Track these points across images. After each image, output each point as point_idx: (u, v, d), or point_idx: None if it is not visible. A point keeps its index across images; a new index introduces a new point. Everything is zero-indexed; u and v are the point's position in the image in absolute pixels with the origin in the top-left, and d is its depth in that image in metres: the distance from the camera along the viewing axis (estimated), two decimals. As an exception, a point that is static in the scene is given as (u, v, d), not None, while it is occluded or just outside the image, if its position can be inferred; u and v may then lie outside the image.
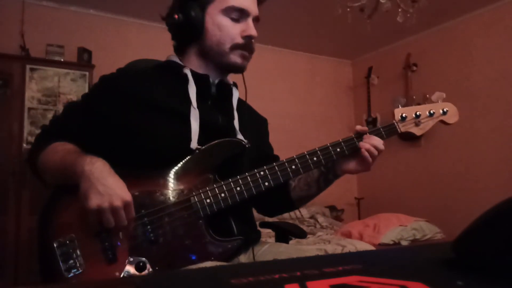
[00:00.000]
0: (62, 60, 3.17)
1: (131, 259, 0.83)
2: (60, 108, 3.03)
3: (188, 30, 1.00)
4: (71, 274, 0.81)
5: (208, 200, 0.89)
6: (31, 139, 2.91)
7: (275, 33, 4.04)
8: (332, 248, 2.42)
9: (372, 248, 2.53)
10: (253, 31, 0.99)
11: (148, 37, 3.67)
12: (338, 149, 0.99)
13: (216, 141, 0.94)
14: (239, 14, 0.99)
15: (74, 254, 0.82)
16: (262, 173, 0.93)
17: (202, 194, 0.89)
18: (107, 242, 0.83)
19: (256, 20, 1.03)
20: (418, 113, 1.06)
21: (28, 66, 2.99)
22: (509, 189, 3.13)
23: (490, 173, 3.45)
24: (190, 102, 0.96)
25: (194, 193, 0.89)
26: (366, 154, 0.97)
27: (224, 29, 0.98)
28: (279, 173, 0.94)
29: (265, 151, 1.18)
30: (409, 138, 3.81)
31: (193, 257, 0.87)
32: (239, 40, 0.99)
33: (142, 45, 3.62)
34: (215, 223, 0.91)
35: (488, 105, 3.50)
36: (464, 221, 0.46)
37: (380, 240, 2.81)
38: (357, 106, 4.94)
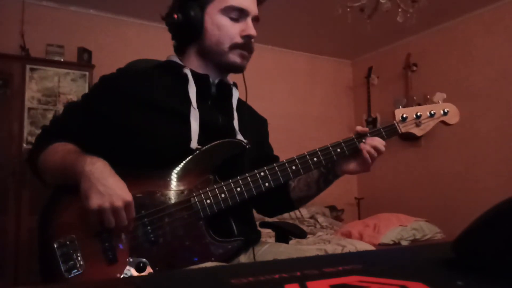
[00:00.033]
0: (62, 60, 3.17)
1: (131, 260, 0.83)
2: (60, 108, 3.03)
3: (187, 30, 1.00)
4: (71, 275, 0.81)
5: (208, 201, 0.89)
6: (31, 139, 2.91)
7: (275, 33, 4.04)
8: (332, 248, 2.42)
9: (372, 248, 2.53)
10: (252, 31, 0.99)
11: (148, 37, 3.67)
12: (339, 150, 0.99)
13: (216, 142, 0.94)
14: (238, 14, 0.99)
15: (74, 255, 0.82)
16: (262, 173, 0.93)
17: (202, 194, 0.89)
18: (107, 242, 0.83)
19: (255, 20, 1.03)
20: (419, 114, 1.06)
21: (28, 66, 2.99)
22: (509, 189, 3.13)
23: (490, 173, 3.45)
24: (190, 102, 0.96)
25: (194, 194, 0.89)
26: (367, 155, 0.98)
27: (223, 29, 0.98)
28: (279, 173, 0.94)
29: (265, 152, 1.18)
30: (409, 138, 3.81)
31: (193, 258, 0.87)
32: (238, 40, 0.99)
33: (142, 45, 3.62)
34: (215, 224, 0.91)
35: (488, 105, 3.50)
36: (464, 221, 0.46)
37: (380, 240, 2.81)
38: (357, 106, 4.94)
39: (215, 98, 1.04)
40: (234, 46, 0.99)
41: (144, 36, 3.72)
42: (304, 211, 3.89)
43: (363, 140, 1.00)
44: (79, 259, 0.82)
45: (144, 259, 0.83)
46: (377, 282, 0.37)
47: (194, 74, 1.01)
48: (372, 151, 0.98)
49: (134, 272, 0.82)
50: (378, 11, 2.68)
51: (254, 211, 1.15)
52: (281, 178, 0.94)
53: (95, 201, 0.79)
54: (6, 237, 2.81)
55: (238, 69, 1.03)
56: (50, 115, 3.00)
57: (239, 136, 1.01)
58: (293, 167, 0.95)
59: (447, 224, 3.20)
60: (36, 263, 0.87)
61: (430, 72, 4.02)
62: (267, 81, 4.29)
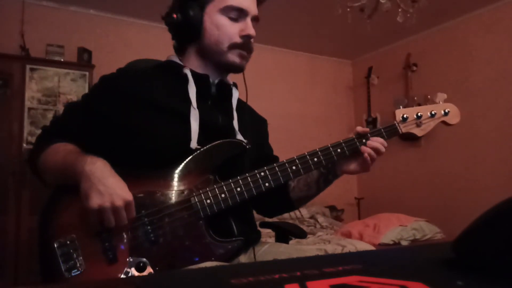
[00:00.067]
0: (62, 60, 3.17)
1: (131, 260, 0.83)
2: (60, 108, 3.03)
3: (186, 30, 1.00)
4: (72, 274, 0.81)
5: (208, 201, 0.89)
6: (31, 139, 2.91)
7: (275, 33, 4.04)
8: (332, 248, 2.42)
9: (372, 248, 2.53)
10: (251, 31, 0.99)
11: (148, 37, 3.67)
12: (339, 150, 0.99)
13: (216, 142, 0.94)
14: (237, 14, 0.99)
15: (75, 254, 0.82)
16: (262, 173, 0.93)
17: (202, 194, 0.89)
18: (107, 242, 0.83)
19: (255, 20, 1.03)
20: (419, 114, 1.06)
21: (28, 66, 2.99)
22: (509, 189, 3.13)
23: (490, 173, 3.45)
24: (190, 102, 0.96)
25: (194, 194, 0.89)
26: (368, 158, 0.98)
27: (222, 28, 0.98)
28: (279, 173, 0.94)
29: (265, 152, 1.18)
30: (409, 138, 3.81)
31: (194, 258, 0.87)
32: (237, 40, 0.99)
33: (142, 45, 3.62)
34: (215, 224, 0.91)
35: (488, 105, 3.50)
36: (464, 221, 0.46)
37: (380, 240, 2.81)
38: (357, 106, 4.94)
39: (215, 98, 1.04)
40: (233, 46, 0.99)
41: (144, 36, 3.72)
42: (304, 211, 3.89)
43: (363, 141, 1.01)
44: (79, 258, 0.82)
45: (144, 259, 0.83)
46: (377, 282, 0.37)
47: (194, 74, 1.01)
48: (373, 153, 0.99)
49: (134, 272, 0.82)
50: (378, 11, 2.68)
51: (254, 211, 1.15)
52: (281, 178, 0.94)
53: (95, 201, 0.79)
54: (6, 237, 2.81)
55: (237, 69, 1.02)
56: (50, 115, 3.00)
57: (239, 136, 1.01)
58: (293, 167, 0.95)
59: (447, 224, 3.20)
60: (36, 263, 0.87)
61: (430, 72, 4.02)
62: (267, 81, 4.29)
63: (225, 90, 1.06)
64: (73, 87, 3.14)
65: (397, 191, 4.32)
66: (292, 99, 4.54)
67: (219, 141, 0.94)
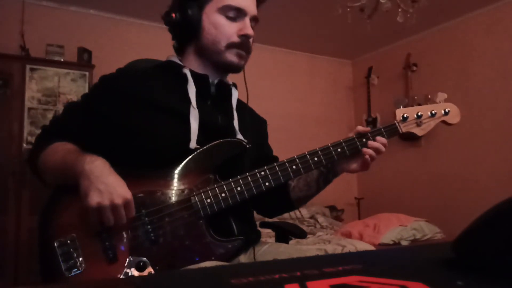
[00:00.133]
0: (62, 60, 3.17)
1: (132, 259, 0.83)
2: (60, 108, 3.03)
3: (185, 29, 1.00)
4: (72, 274, 0.81)
5: (208, 200, 0.89)
6: (31, 139, 2.91)
7: (275, 33, 4.04)
8: (332, 248, 2.42)
9: (372, 248, 2.53)
10: (249, 30, 0.99)
11: (148, 37, 3.67)
12: (339, 150, 0.99)
13: (216, 142, 0.94)
14: (236, 13, 0.99)
15: (75, 254, 0.82)
16: (262, 173, 0.93)
17: (202, 194, 0.89)
18: (107, 241, 0.83)
19: (254, 20, 1.03)
20: (419, 114, 1.06)
21: (28, 66, 2.99)
22: (509, 189, 3.13)
23: (490, 173, 3.45)
24: (189, 102, 0.96)
25: (194, 193, 0.89)
26: (368, 159, 0.98)
27: (219, 28, 0.98)
28: (279, 173, 0.94)
29: (264, 153, 1.18)
30: (409, 138, 3.81)
31: (194, 257, 0.87)
32: (235, 39, 0.99)
33: (142, 45, 3.62)
34: (216, 223, 0.91)
35: (488, 105, 3.50)
36: (464, 221, 0.46)
37: (380, 240, 2.81)
38: (357, 106, 4.94)
39: (215, 98, 1.04)
40: (230, 45, 0.99)
41: (144, 36, 3.72)
42: (304, 211, 3.89)
43: (364, 140, 1.01)
44: (80, 258, 0.82)
45: (144, 258, 0.83)
46: (377, 282, 0.37)
47: (193, 74, 1.01)
48: (374, 153, 0.99)
49: (134, 272, 0.82)
50: (378, 11, 2.68)
51: (254, 212, 1.15)
52: (281, 177, 0.94)
53: (94, 199, 0.79)
54: (6, 237, 2.81)
55: (236, 68, 1.02)
56: (50, 115, 3.00)
57: (239, 136, 1.01)
58: (294, 167, 0.95)
59: (447, 224, 3.20)
60: (36, 263, 0.87)
61: (430, 72, 4.02)
62: (267, 81, 4.29)
63: (225, 90, 1.06)
64: (73, 87, 3.14)
65: (397, 191, 4.32)
66: (292, 99, 4.54)
67: (219, 141, 0.94)
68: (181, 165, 0.91)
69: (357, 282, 0.38)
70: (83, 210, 0.82)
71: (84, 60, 3.29)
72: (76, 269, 0.82)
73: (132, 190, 0.83)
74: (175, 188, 0.89)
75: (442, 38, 3.96)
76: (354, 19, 2.73)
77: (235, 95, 1.08)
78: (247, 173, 0.92)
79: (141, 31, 3.76)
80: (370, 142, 1.00)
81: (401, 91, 4.25)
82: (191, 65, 1.03)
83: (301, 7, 3.58)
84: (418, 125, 1.07)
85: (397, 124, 1.05)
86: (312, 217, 3.86)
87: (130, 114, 0.94)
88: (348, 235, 3.00)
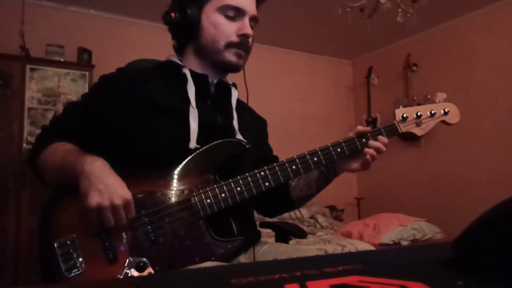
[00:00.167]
0: (62, 60, 3.17)
1: (132, 259, 0.83)
2: (60, 108, 3.03)
3: (184, 29, 1.00)
4: (72, 274, 0.81)
5: (208, 200, 0.89)
6: (31, 139, 2.91)
7: (275, 33, 4.04)
8: (332, 248, 2.42)
9: (372, 248, 2.53)
10: (248, 30, 0.99)
11: (148, 37, 3.67)
12: (339, 150, 0.99)
13: (216, 142, 0.94)
14: (235, 13, 0.99)
15: (75, 254, 0.82)
16: (262, 173, 0.93)
17: (202, 194, 0.89)
18: (107, 242, 0.83)
19: (254, 20, 1.03)
20: (419, 114, 1.06)
21: (28, 66, 2.99)
22: (509, 189, 3.13)
23: (490, 173, 3.45)
24: (189, 102, 0.96)
25: (194, 193, 0.89)
26: (369, 158, 0.98)
27: (218, 27, 0.98)
28: (279, 173, 0.94)
29: (264, 152, 1.18)
30: (409, 138, 3.81)
31: (194, 257, 0.87)
32: (234, 39, 0.99)
33: (142, 45, 3.62)
34: (215, 223, 0.91)
35: (488, 105, 3.50)
36: (464, 221, 0.46)
37: (380, 240, 2.81)
38: (357, 106, 4.94)
39: (214, 98, 1.04)
40: (229, 45, 0.99)
41: (144, 36, 3.72)
42: (304, 211, 3.89)
43: (363, 140, 1.01)
44: (80, 258, 0.82)
45: (144, 259, 0.83)
46: (377, 282, 0.37)
47: (193, 74, 1.01)
48: (375, 153, 0.99)
49: (134, 272, 0.82)
50: (378, 11, 2.68)
51: (255, 211, 1.15)
52: (281, 177, 0.94)
53: (94, 199, 0.79)
54: (6, 237, 2.81)
55: (234, 68, 1.02)
56: (50, 115, 2.99)
57: (239, 136, 1.01)
58: (294, 167, 0.95)
59: (447, 224, 3.20)
60: (36, 263, 0.87)
61: (430, 72, 4.02)
62: (267, 81, 4.29)
63: (224, 90, 1.06)
64: (73, 87, 3.14)
65: (397, 191, 4.32)
66: (292, 99, 4.54)
67: (219, 141, 0.94)
68: (181, 165, 0.91)
69: (357, 282, 0.38)
70: (83, 211, 0.82)
71: (84, 60, 3.30)
72: (76, 270, 0.82)
73: (132, 191, 0.83)
74: (175, 188, 0.89)
75: (442, 38, 3.96)
76: (354, 19, 2.73)
77: (234, 95, 1.08)
78: (246, 174, 0.92)
79: (141, 31, 3.76)
80: (372, 142, 1.00)
81: (401, 91, 4.25)
82: (191, 65, 1.03)
83: (301, 7, 3.58)
84: (418, 125, 1.07)
85: (396, 124, 1.05)
86: (312, 217, 3.86)
87: (130, 114, 0.94)
88: (348, 235, 3.00)
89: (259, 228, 1.13)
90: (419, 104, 1.13)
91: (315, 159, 0.97)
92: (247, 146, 0.97)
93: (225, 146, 0.95)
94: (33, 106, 2.98)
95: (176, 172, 0.90)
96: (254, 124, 1.15)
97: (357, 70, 4.97)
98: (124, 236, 0.84)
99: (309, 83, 4.73)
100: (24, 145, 2.91)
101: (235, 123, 1.03)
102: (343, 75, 5.00)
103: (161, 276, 0.53)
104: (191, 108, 0.96)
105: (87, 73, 3.20)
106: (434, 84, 3.91)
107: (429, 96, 1.14)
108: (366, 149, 0.99)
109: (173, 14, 0.99)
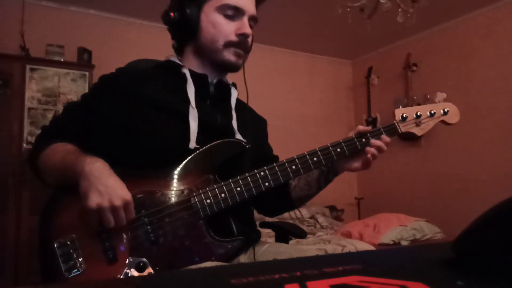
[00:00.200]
0: (62, 60, 3.17)
1: (131, 260, 0.83)
2: (60, 108, 3.03)
3: (183, 28, 1.00)
4: (72, 274, 0.81)
5: (208, 201, 0.89)
6: (31, 139, 2.91)
7: (275, 33, 4.04)
8: (332, 248, 2.42)
9: (372, 248, 2.53)
10: (247, 29, 0.99)
11: (148, 37, 3.67)
12: (339, 150, 0.99)
13: (216, 142, 0.94)
14: (234, 12, 0.99)
15: (75, 254, 0.82)
16: (262, 173, 0.93)
17: (202, 194, 0.89)
18: (107, 242, 0.83)
19: (253, 20, 1.03)
20: (419, 113, 1.06)
21: (28, 66, 2.99)
22: (509, 189, 3.13)
23: (490, 173, 3.45)
24: (189, 102, 0.96)
25: (194, 194, 0.89)
26: (370, 157, 0.98)
27: (217, 27, 0.98)
28: (279, 173, 0.94)
29: (264, 152, 1.18)
30: (409, 138, 3.81)
31: (194, 258, 0.87)
32: (233, 38, 0.98)
33: (142, 45, 3.62)
34: (215, 223, 0.91)
35: (488, 105, 3.50)
36: (464, 221, 0.46)
37: (380, 240, 2.81)
38: (357, 106, 4.94)
39: (214, 98, 1.04)
40: (228, 44, 0.99)
41: (144, 36, 3.72)
42: (304, 211, 3.89)
43: (363, 140, 1.01)
44: (80, 259, 0.82)
45: (144, 259, 0.83)
46: (377, 282, 0.37)
47: (192, 73, 1.01)
48: (376, 152, 0.99)
49: (134, 272, 0.82)
50: (378, 11, 2.68)
51: (255, 211, 1.15)
52: (281, 178, 0.94)
53: (94, 200, 0.79)
54: (6, 237, 2.81)
55: (233, 67, 1.02)
56: (50, 115, 2.99)
57: (238, 136, 1.01)
58: (293, 167, 0.95)
59: (447, 224, 3.20)
60: (36, 263, 0.87)
61: (430, 72, 4.02)
62: (267, 81, 4.29)
63: (224, 89, 1.06)
64: (73, 87, 3.14)
65: (397, 191, 4.32)
66: (292, 99, 4.54)
67: (218, 141, 0.94)
68: (180, 166, 0.91)
69: (357, 282, 0.38)
70: (83, 211, 0.82)
71: (84, 60, 3.30)
72: (76, 270, 0.82)
73: (131, 191, 0.83)
74: (174, 188, 0.89)
75: (442, 38, 3.96)
76: (354, 19, 2.73)
77: (234, 94, 1.08)
78: (246, 174, 0.92)
79: (141, 31, 3.76)
80: (373, 141, 1.00)
81: (401, 91, 4.25)
82: (191, 65, 1.03)
83: (301, 7, 3.58)
84: (417, 125, 1.07)
85: (396, 124, 1.05)
86: (312, 217, 3.86)
87: (130, 114, 0.94)
88: (348, 235, 3.00)
89: (259, 228, 1.13)
90: (419, 104, 1.13)
91: (315, 159, 0.97)
92: (247, 146, 0.97)
93: (225, 146, 0.95)
94: (33, 106, 2.98)
95: (176, 172, 0.90)
96: (254, 124, 1.15)
97: (357, 70, 4.97)
98: (124, 236, 0.84)
99: (309, 83, 4.72)
100: (24, 145, 2.91)
101: (234, 123, 1.03)
102: (343, 75, 5.00)
103: (161, 276, 0.53)
104: (190, 108, 0.96)
105: (87, 73, 3.20)
106: (434, 84, 3.91)
107: (429, 96, 1.14)
108: (368, 148, 0.99)
109: (172, 14, 1.00)
